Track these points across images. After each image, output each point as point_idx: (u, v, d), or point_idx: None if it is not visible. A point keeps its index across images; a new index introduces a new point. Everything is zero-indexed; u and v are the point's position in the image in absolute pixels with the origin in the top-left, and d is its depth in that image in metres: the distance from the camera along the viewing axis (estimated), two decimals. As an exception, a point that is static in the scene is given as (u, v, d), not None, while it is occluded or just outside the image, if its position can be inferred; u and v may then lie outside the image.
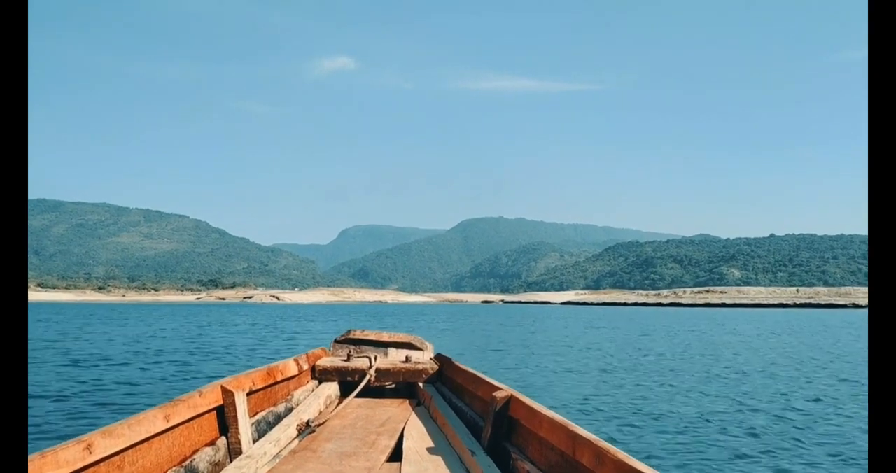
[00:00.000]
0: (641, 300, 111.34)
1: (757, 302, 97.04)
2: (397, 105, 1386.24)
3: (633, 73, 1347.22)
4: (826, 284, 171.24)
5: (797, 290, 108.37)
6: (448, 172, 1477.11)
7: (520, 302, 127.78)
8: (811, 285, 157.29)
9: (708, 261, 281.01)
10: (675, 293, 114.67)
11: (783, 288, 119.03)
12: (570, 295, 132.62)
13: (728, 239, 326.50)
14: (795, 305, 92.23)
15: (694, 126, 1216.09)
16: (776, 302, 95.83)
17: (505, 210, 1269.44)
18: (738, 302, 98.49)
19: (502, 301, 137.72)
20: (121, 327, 26.84)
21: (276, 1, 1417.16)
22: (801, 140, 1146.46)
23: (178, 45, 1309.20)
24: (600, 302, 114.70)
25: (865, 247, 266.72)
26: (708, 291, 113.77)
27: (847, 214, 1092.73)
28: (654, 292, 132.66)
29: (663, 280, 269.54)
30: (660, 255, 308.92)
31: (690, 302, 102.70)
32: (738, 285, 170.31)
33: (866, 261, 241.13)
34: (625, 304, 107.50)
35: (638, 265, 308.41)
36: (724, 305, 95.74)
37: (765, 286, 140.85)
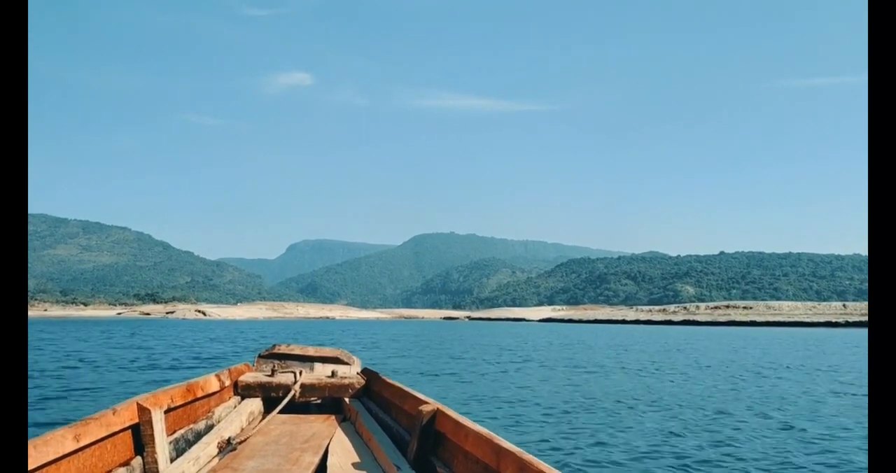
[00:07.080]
0: (644, 317, 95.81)
1: (794, 319, 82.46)
2: (351, 121, 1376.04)
3: (583, 94, 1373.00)
4: (779, 301, 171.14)
5: (844, 305, 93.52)
6: (400, 188, 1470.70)
7: (488, 319, 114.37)
8: (763, 300, 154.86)
9: (661, 278, 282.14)
10: (685, 308, 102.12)
11: (824, 303, 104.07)
12: (547, 311, 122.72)
13: (679, 255, 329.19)
14: (847, 324, 75.74)
15: (639, 147, 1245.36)
16: (820, 319, 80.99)
17: (456, 226, 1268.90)
18: (769, 319, 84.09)
19: (468, 317, 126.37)
20: None
21: (231, 16, 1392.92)
22: (746, 161, 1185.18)
23: (128, 54, 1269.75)
24: (590, 318, 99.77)
25: (813, 265, 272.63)
26: (728, 306, 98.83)
27: (793, 233, 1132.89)
28: (658, 308, 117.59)
29: (617, 296, 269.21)
30: (612, 271, 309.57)
31: (708, 319, 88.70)
32: (692, 301, 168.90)
33: (816, 279, 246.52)
34: (623, 322, 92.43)
35: (591, 281, 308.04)
36: (753, 323, 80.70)
37: (761, 301, 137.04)
